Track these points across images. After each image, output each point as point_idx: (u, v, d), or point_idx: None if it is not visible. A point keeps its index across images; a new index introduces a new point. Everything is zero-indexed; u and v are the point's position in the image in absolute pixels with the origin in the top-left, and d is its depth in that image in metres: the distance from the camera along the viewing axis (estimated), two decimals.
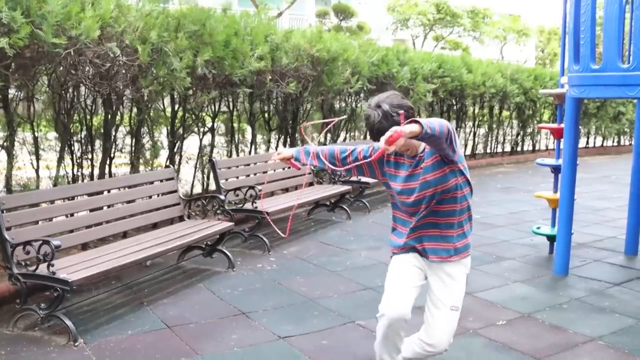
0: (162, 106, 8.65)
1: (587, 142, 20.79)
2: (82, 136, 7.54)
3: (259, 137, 10.63)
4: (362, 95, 12.39)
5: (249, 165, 8.98)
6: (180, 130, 8.77)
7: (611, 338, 5.18)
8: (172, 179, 7.18)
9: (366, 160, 3.90)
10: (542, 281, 6.59)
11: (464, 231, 3.88)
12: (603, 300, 6.09)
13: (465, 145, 16.24)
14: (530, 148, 18.60)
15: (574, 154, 6.74)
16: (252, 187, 7.78)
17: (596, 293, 6.31)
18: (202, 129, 9.35)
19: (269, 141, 10.70)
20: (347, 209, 9.77)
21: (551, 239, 7.57)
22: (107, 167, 7.65)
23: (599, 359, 4.81)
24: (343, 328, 5.32)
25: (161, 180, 7.15)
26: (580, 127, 17.22)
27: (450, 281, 3.90)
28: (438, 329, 3.90)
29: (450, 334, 3.92)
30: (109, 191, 6.81)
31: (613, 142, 21.63)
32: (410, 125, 3.24)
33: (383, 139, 3.19)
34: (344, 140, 12.38)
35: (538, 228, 7.82)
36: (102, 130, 7.61)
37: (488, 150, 17.17)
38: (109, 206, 6.57)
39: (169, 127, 8.65)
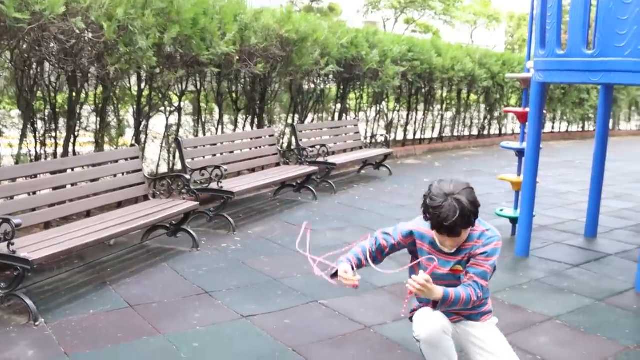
0: (128, 84, 8.56)
1: (553, 127, 20.97)
2: (46, 114, 7.44)
3: (226, 117, 10.58)
4: (331, 76, 12.38)
5: (215, 145, 8.92)
6: (147, 109, 8.70)
7: (568, 317, 5.27)
8: (137, 157, 7.12)
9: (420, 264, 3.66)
10: (503, 262, 6.65)
11: (483, 304, 3.77)
12: (562, 281, 6.19)
13: (433, 128, 16.31)
14: (497, 132, 18.71)
15: (538, 138, 6.80)
16: (218, 167, 7.76)
17: (555, 274, 6.40)
18: (168, 108, 9.28)
19: (236, 121, 10.65)
20: (313, 189, 9.78)
21: (514, 221, 7.65)
22: (71, 145, 7.57)
23: (555, 337, 4.89)
24: (306, 307, 5.33)
25: (126, 159, 7.09)
26: (546, 112, 17.40)
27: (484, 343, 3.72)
28: None
29: None
30: (72, 169, 6.72)
31: (578, 127, 21.85)
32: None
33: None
34: (312, 121, 12.36)
35: (501, 210, 7.89)
36: (67, 108, 7.52)
37: (455, 134, 17.25)
38: (72, 184, 6.51)
39: (135, 106, 8.57)
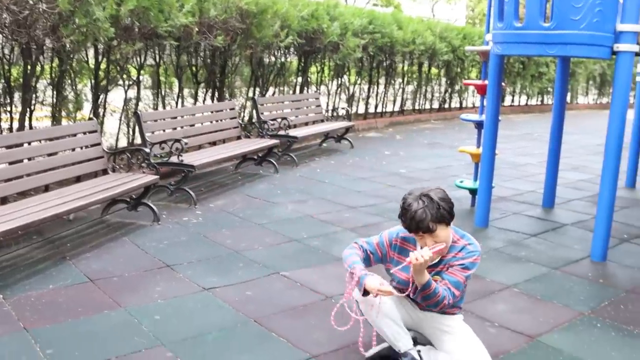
0: (85, 57, 8.45)
1: (513, 101, 21.19)
2: (0, 87, 7.31)
3: (186, 91, 10.51)
4: (291, 49, 12.34)
5: (175, 118, 8.88)
6: (105, 83, 8.60)
7: (525, 285, 5.38)
8: (95, 131, 7.04)
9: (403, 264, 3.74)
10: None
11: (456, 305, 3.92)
12: (520, 251, 6.29)
13: (394, 102, 16.36)
14: (458, 105, 18.86)
15: (497, 110, 6.87)
16: (178, 141, 7.71)
17: (514, 244, 6.51)
18: (127, 82, 9.19)
19: (196, 94, 10.59)
20: (274, 162, 9.78)
21: (473, 192, 7.74)
22: (27, 119, 7.46)
23: (513, 304, 4.98)
24: (268, 279, 5.36)
25: (84, 133, 7.01)
26: (505, 85, 17.54)
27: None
28: None
29: None
30: (29, 143, 6.64)
31: (537, 101, 22.09)
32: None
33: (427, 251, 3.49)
34: (273, 94, 12.33)
35: (461, 182, 7.98)
36: (22, 82, 7.40)
37: (416, 107, 17.34)
38: (29, 159, 6.42)
39: (92, 79, 8.46)
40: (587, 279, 5.60)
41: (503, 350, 4.20)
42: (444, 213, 3.59)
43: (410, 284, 3.78)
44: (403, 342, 3.81)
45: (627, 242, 6.74)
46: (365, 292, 3.70)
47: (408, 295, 3.87)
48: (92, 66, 8.51)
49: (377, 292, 3.60)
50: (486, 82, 7.08)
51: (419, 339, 4.02)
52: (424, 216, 3.56)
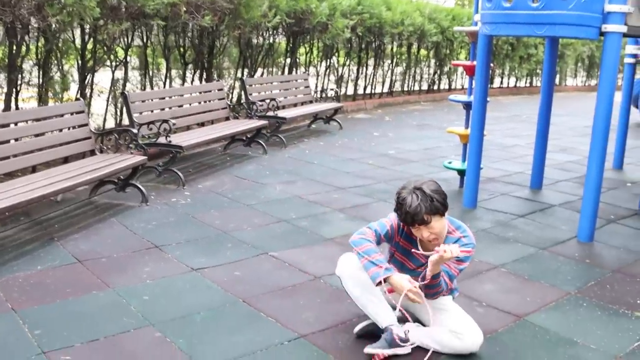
0: (71, 37, 8.39)
1: (501, 83, 21.19)
2: None
3: (173, 72, 10.47)
4: (280, 30, 12.29)
5: (163, 98, 8.83)
6: (91, 63, 8.55)
7: (513, 265, 5.42)
8: (82, 112, 7.00)
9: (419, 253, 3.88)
10: (451, 213, 6.64)
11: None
12: (507, 231, 6.33)
13: (383, 83, 16.35)
14: (447, 87, 18.85)
15: (485, 91, 6.88)
16: (166, 121, 7.68)
17: (502, 224, 6.55)
18: (114, 62, 9.14)
19: (184, 75, 10.55)
20: (263, 143, 9.76)
21: (461, 173, 7.77)
22: (13, 100, 7.41)
23: (501, 284, 5.02)
24: (256, 259, 5.37)
25: (71, 114, 6.96)
26: (494, 66, 17.54)
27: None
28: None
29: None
30: (15, 124, 6.60)
31: (526, 83, 22.11)
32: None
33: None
34: (261, 75, 12.29)
35: (449, 163, 8.00)
36: (7, 62, 7.34)
37: (405, 88, 17.33)
38: (16, 140, 6.39)
39: (79, 60, 8.41)
40: (574, 259, 5.64)
41: (491, 330, 4.23)
42: (438, 205, 3.68)
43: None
44: (383, 318, 3.89)
45: (613, 222, 6.78)
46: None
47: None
48: (78, 46, 8.46)
49: (406, 292, 3.66)
50: (475, 63, 7.08)
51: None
52: (418, 209, 3.64)
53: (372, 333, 3.96)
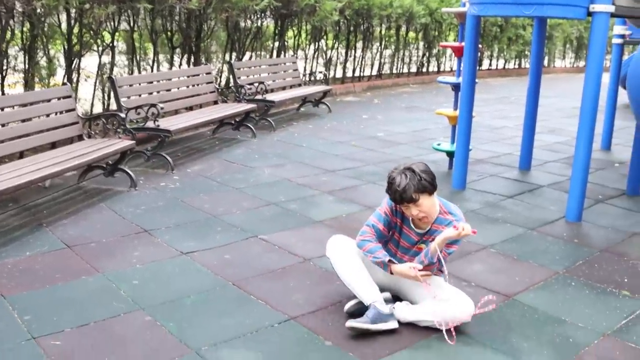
0: (57, 21, 8.32)
1: (490, 65, 21.19)
2: None
3: (161, 56, 10.42)
4: (267, 12, 12.24)
5: (151, 83, 8.79)
6: (78, 47, 8.49)
7: (502, 246, 5.45)
8: (69, 96, 6.96)
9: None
10: (440, 195, 6.65)
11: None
12: (496, 212, 6.36)
13: (372, 66, 16.32)
14: (436, 69, 18.83)
15: (473, 72, 6.88)
16: (154, 105, 7.65)
17: (490, 205, 6.57)
18: (101, 47, 9.08)
19: (171, 59, 10.50)
20: (252, 127, 9.75)
21: (450, 155, 7.78)
22: None
23: (490, 265, 5.05)
24: (246, 242, 5.37)
25: (58, 99, 6.92)
26: (482, 47, 17.52)
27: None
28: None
29: None
30: (2, 109, 6.57)
31: (514, 64, 22.11)
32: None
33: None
34: (250, 59, 12.25)
35: (438, 145, 8.01)
36: None
37: (394, 71, 17.30)
38: (2, 125, 6.35)
39: (65, 44, 8.35)
40: (563, 239, 5.67)
41: None
42: (426, 184, 3.87)
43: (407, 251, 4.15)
44: (368, 295, 3.98)
45: (601, 202, 6.82)
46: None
47: (394, 258, 4.08)
48: (64, 31, 8.40)
49: (414, 275, 3.89)
50: (463, 44, 7.08)
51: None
52: (406, 188, 3.84)
53: (362, 312, 4.00)
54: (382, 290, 4.11)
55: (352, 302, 4.14)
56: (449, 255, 3.99)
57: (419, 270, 3.90)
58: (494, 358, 3.71)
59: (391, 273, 3.99)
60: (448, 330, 3.86)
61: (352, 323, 3.85)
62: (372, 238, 4.07)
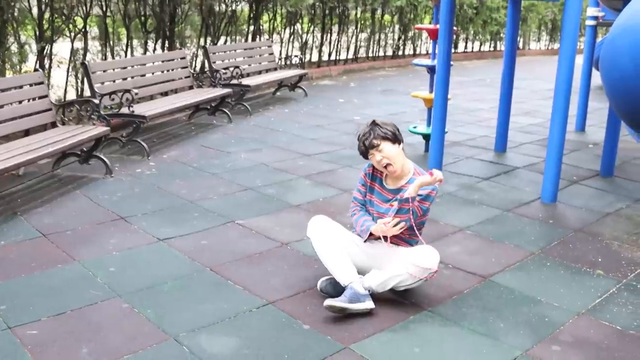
0: (27, 6, 8.21)
1: (466, 47, 21.22)
2: None
3: (135, 41, 10.33)
4: None
5: (125, 68, 8.73)
6: (49, 33, 8.39)
7: (478, 227, 5.49)
8: (41, 83, 6.88)
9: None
10: None
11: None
12: (472, 194, 6.40)
13: (348, 49, 16.29)
14: (412, 52, 18.83)
15: (448, 54, 6.89)
16: (128, 91, 7.60)
17: (467, 187, 6.62)
18: (73, 32, 8.99)
19: (145, 44, 10.42)
20: (228, 112, 9.71)
21: (426, 137, 7.80)
22: None
23: (466, 246, 5.09)
24: (223, 228, 5.37)
25: (30, 85, 6.84)
26: (457, 29, 17.54)
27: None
28: None
29: None
30: None
31: (490, 47, 22.16)
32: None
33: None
34: (224, 43, 12.18)
35: (415, 127, 8.03)
36: None
37: (370, 54, 17.29)
38: None
39: (36, 29, 8.25)
40: (538, 220, 5.73)
41: (457, 291, 4.30)
42: (386, 131, 4.14)
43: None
44: (345, 276, 4.05)
45: (576, 184, 6.89)
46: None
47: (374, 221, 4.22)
48: (35, 16, 8.29)
49: (385, 231, 4.03)
50: (438, 26, 7.08)
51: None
52: (369, 134, 4.14)
53: (337, 293, 4.07)
54: (359, 272, 4.15)
55: (324, 278, 4.21)
56: (424, 213, 4.11)
57: (389, 223, 4.01)
58: (471, 339, 3.75)
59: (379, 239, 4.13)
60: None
61: (330, 302, 3.89)
62: (357, 210, 4.32)
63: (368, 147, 4.14)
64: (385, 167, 4.14)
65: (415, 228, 4.03)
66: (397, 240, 4.15)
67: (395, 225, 3.99)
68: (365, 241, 4.20)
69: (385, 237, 4.09)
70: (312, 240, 4.23)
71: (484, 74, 16.70)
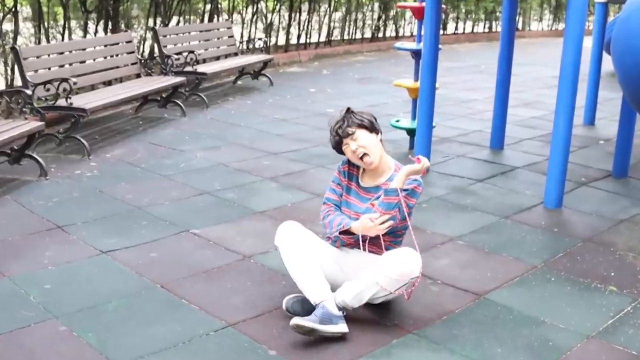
0: None
1: (457, 29, 21.30)
2: None
3: (73, 22, 10.28)
4: None
5: (62, 53, 8.68)
6: None
7: (471, 237, 5.52)
8: None
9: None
10: None
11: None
12: (465, 198, 6.44)
13: (320, 30, 16.32)
14: (393, 34, 18.90)
15: (436, 36, 6.92)
16: (65, 80, 7.56)
17: (458, 190, 6.66)
18: (1, 12, 8.92)
19: (85, 26, 10.37)
20: (181, 104, 9.70)
21: (411, 133, 7.82)
22: None
23: (457, 259, 5.12)
24: (176, 238, 5.37)
25: None
26: (445, 7, 17.62)
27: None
28: None
29: None
30: None
31: (484, 28, 22.28)
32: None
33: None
34: (177, 24, 12.15)
35: (397, 121, 8.05)
36: None
37: (345, 37, 17.33)
38: None
39: None
40: (540, 228, 5.77)
41: (447, 310, 4.31)
42: (362, 119, 4.23)
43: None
44: (317, 293, 4.03)
45: (584, 185, 6.95)
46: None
47: (355, 243, 4.22)
48: None
49: (370, 228, 4.05)
50: (424, 4, 7.10)
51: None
52: (342, 122, 4.22)
53: (309, 312, 4.04)
54: (332, 289, 4.13)
55: (291, 296, 4.21)
56: (410, 210, 4.14)
57: (377, 219, 4.02)
58: None
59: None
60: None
61: (297, 321, 3.86)
62: (332, 211, 4.32)
63: (342, 136, 4.19)
64: (362, 158, 4.18)
65: (408, 219, 4.07)
66: (375, 248, 4.16)
67: (382, 223, 4.00)
68: (341, 244, 4.24)
69: (364, 240, 4.11)
70: (281, 249, 4.22)
71: (478, 59, 16.79)
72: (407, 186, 4.07)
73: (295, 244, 4.17)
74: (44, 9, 9.66)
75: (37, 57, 8.06)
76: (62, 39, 9.96)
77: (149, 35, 11.38)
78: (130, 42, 9.89)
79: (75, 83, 7.64)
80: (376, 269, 3.98)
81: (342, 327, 3.94)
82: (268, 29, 14.66)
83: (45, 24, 9.73)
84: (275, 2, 14.77)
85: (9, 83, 9.25)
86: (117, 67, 9.48)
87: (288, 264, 4.18)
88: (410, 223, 4.19)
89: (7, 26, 9.10)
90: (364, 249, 4.15)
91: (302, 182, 6.79)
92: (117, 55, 9.56)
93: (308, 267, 4.10)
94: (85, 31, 10.38)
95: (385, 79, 12.84)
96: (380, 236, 4.09)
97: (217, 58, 11.85)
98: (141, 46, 11.32)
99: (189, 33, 11.47)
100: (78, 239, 5.29)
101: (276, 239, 4.29)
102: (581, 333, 4.09)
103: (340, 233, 4.18)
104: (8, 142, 6.51)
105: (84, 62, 8.87)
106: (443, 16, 15.73)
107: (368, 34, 18.15)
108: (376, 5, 17.95)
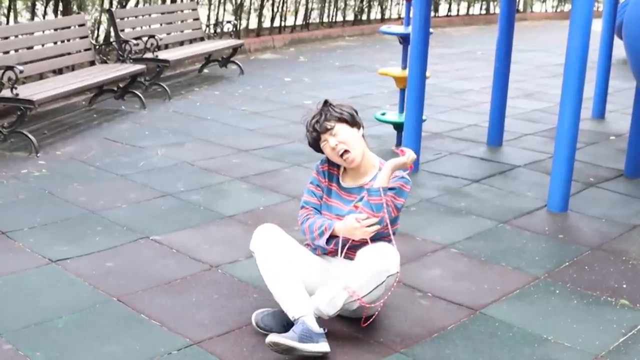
0: None
1: (450, 10, 21.36)
2: None
3: (19, 3, 10.25)
4: None
5: (7, 38, 8.64)
6: None
7: (466, 244, 5.53)
8: None
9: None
10: None
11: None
12: (459, 201, 6.46)
13: (296, 13, 16.33)
14: (379, 16, 18.93)
15: (426, 19, 6.92)
16: (10, 68, 7.53)
17: (451, 192, 6.67)
18: None
19: (33, 7, 10.33)
20: (140, 95, 9.70)
21: (398, 127, 7.82)
22: None
23: (449, 268, 5.13)
24: (134, 245, 5.36)
25: None
26: None
27: None
28: None
29: None
30: None
31: (481, 9, 22.35)
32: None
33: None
34: (136, 5, 12.11)
35: (383, 114, 8.05)
36: None
37: (325, 20, 17.35)
38: None
39: None
40: (544, 234, 5.79)
41: (438, 327, 4.32)
42: (342, 112, 4.26)
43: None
44: (296, 307, 4.01)
45: (593, 186, 6.98)
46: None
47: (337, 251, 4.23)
48: None
49: (354, 230, 4.08)
50: None
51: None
52: (319, 117, 4.24)
53: (284, 327, 4.05)
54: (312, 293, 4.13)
55: (260, 310, 4.21)
56: (398, 211, 4.18)
57: (364, 220, 4.04)
58: None
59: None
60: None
61: (274, 338, 3.84)
62: (311, 214, 4.33)
63: (320, 132, 4.21)
64: (342, 156, 4.19)
65: (390, 229, 4.08)
66: (354, 254, 4.14)
67: (369, 226, 4.02)
68: (322, 252, 4.28)
69: (343, 245, 4.11)
70: (257, 256, 4.19)
71: (474, 44, 16.86)
72: (393, 184, 4.10)
73: (273, 250, 4.13)
74: None
75: None
76: (7, 22, 9.92)
77: (104, 18, 11.35)
78: (83, 25, 9.86)
79: (21, 71, 7.61)
80: (359, 267, 3.98)
81: (323, 346, 3.91)
82: (238, 10, 14.66)
83: None
84: None
85: None
86: (69, 53, 9.45)
87: (265, 273, 4.14)
88: (399, 227, 4.26)
89: None
90: (341, 255, 4.14)
91: (276, 182, 6.80)
92: (68, 40, 9.53)
93: (287, 278, 4.07)
94: (33, 13, 10.35)
95: (370, 67, 12.86)
96: (369, 240, 4.06)
97: (181, 43, 11.85)
98: (95, 30, 11.29)
99: (149, 15, 11.46)
100: (24, 247, 5.28)
101: (252, 243, 4.25)
102: (589, 352, 4.10)
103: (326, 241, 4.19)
104: None
105: (31, 47, 8.84)
106: None
107: (350, 17, 18.18)
108: None
